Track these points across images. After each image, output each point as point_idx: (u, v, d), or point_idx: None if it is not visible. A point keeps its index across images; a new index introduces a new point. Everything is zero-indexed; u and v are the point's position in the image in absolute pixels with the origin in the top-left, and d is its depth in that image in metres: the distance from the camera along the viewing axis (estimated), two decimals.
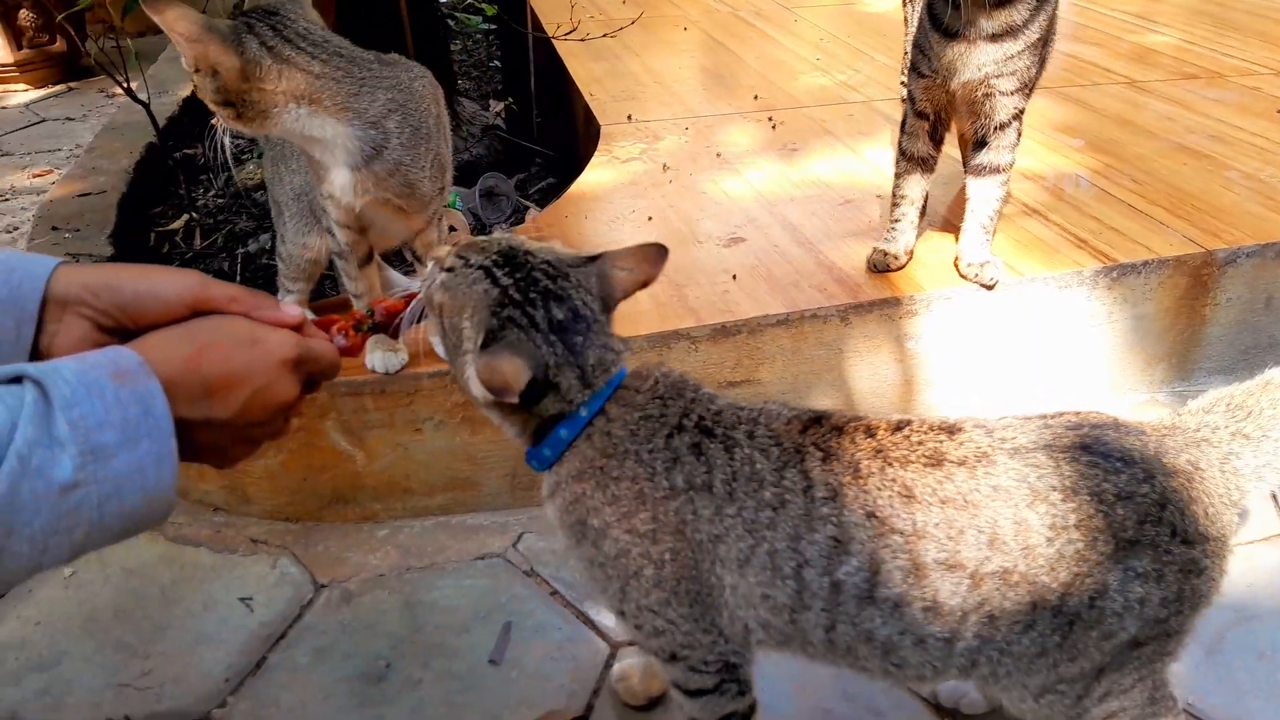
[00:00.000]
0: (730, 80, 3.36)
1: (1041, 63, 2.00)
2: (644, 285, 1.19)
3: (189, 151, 3.46)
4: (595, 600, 1.76)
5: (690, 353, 1.92)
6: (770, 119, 2.94)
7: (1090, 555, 1.07)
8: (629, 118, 2.98)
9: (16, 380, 0.81)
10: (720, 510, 1.13)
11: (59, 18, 3.46)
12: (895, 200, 2.10)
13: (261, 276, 2.65)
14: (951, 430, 1.14)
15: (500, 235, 1.21)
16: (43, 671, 1.67)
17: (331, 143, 1.56)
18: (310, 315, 1.09)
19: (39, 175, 3.77)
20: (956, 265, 2.07)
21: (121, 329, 1.00)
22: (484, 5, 4.14)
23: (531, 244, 1.17)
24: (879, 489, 1.10)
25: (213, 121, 1.59)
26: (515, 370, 1.06)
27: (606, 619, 1.72)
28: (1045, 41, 1.95)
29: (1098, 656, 1.12)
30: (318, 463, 1.90)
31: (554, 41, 3.57)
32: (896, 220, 2.09)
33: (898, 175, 2.09)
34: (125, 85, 2.85)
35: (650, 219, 2.35)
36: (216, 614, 1.78)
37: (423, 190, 1.66)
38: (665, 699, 1.56)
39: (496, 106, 4.02)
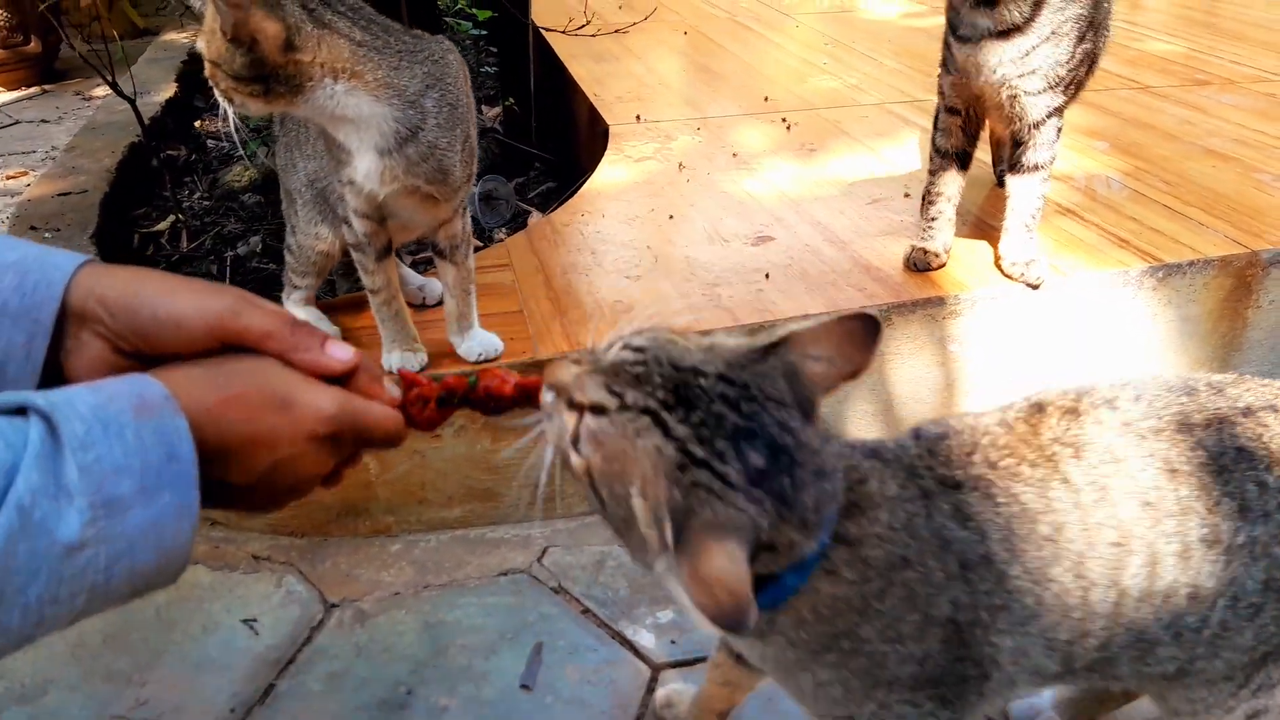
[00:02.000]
0: (737, 83, 3.27)
1: (1087, 59, 1.91)
2: (853, 377, 0.88)
3: (173, 152, 3.32)
4: (627, 618, 1.64)
5: None
6: (784, 120, 2.85)
7: None
8: (638, 118, 2.87)
9: (20, 411, 0.66)
10: (1003, 579, 0.95)
11: (41, 6, 3.30)
12: (930, 198, 2.01)
13: (253, 280, 2.51)
14: (1190, 390, 1.03)
15: (648, 338, 0.88)
16: (26, 703, 1.51)
17: (365, 123, 1.44)
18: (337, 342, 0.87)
19: (12, 177, 3.60)
20: (999, 265, 1.98)
21: (141, 354, 0.83)
22: (476, 10, 4.04)
23: (693, 350, 0.86)
24: (1142, 471, 0.98)
25: (220, 121, 1.46)
26: (732, 570, 0.77)
27: (645, 639, 1.60)
28: (1081, 37, 1.87)
29: (1275, 631, 1.03)
30: None
31: (554, 44, 3.47)
32: (933, 218, 2.00)
33: (932, 172, 2.01)
34: (111, 80, 2.71)
35: (671, 218, 2.24)
36: (218, 637, 1.64)
37: (455, 176, 1.54)
38: None
39: (490, 111, 3.90)
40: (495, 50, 4.40)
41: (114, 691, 1.54)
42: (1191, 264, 2.02)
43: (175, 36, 4.51)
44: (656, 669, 1.54)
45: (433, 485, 1.79)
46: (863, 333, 0.87)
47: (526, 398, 0.92)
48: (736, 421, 0.81)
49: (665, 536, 0.79)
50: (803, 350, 0.87)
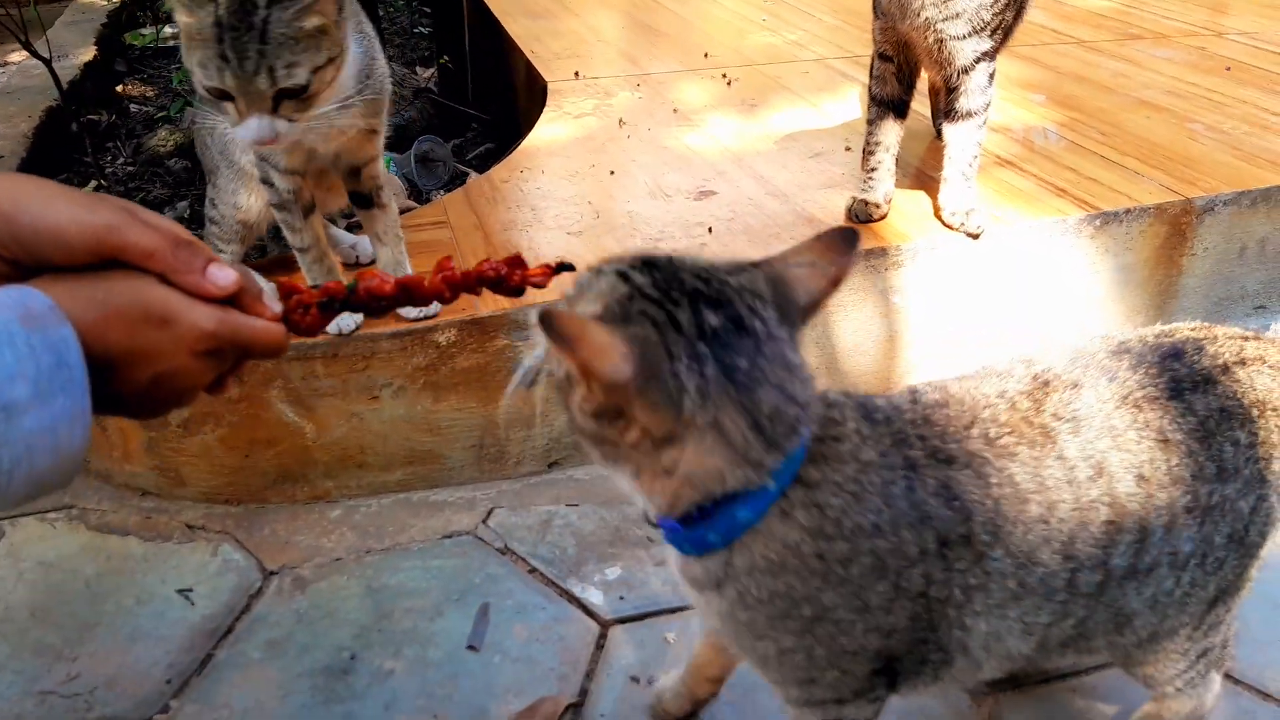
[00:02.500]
0: (677, 39, 3.22)
1: (1014, 4, 1.90)
2: (836, 283, 0.88)
3: (94, 117, 3.19)
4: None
5: None
6: (725, 76, 2.82)
7: (1269, 475, 1.01)
8: (576, 74, 2.82)
9: None
10: (982, 558, 0.92)
11: None
12: (869, 148, 2.00)
13: None
14: (1179, 353, 1.02)
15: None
16: None
17: (349, 67, 1.41)
18: (262, 283, 0.89)
19: None
20: (939, 215, 1.97)
21: (21, 264, 0.82)
22: None
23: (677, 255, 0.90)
24: (1138, 444, 0.96)
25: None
26: (611, 343, 0.76)
27: (594, 596, 1.58)
28: None
29: (1230, 578, 1.05)
30: (261, 437, 1.72)
31: (488, 1, 3.39)
32: (873, 169, 1.99)
33: (870, 121, 1.99)
34: (24, 40, 2.60)
35: (612, 173, 2.21)
36: (152, 608, 1.58)
37: (388, 99, 1.52)
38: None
39: (425, 72, 3.82)
40: (429, 9, 4.30)
41: (44, 666, 1.48)
42: (1128, 212, 2.03)
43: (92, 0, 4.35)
44: (605, 625, 1.52)
45: (372, 448, 1.75)
46: (841, 240, 0.88)
47: (409, 295, 0.90)
48: (699, 287, 0.82)
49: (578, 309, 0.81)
50: (784, 261, 0.88)
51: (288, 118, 1.33)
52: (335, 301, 0.91)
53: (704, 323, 0.80)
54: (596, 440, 0.85)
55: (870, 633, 0.93)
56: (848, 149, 2.32)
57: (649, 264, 0.84)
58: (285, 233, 1.65)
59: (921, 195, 2.09)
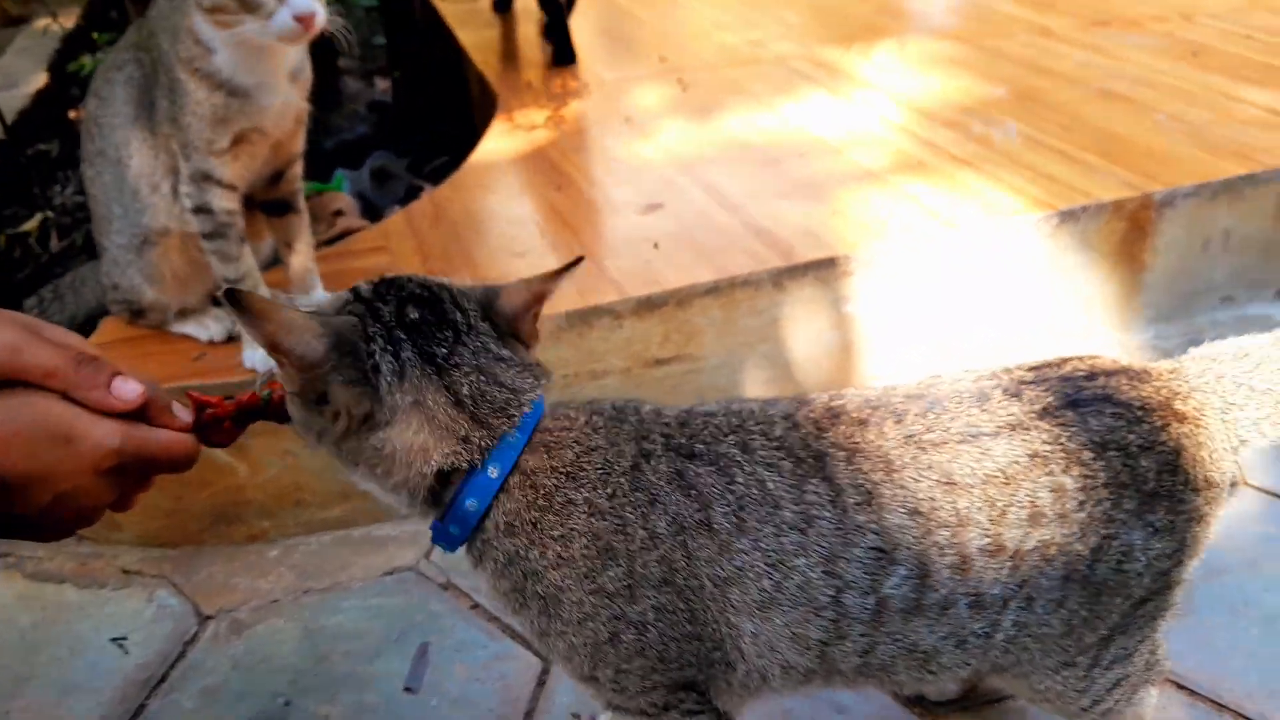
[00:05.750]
0: (632, 43, 3.18)
1: None
2: (539, 297, 0.99)
3: (43, 147, 3.14)
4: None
5: (614, 329, 1.73)
6: (680, 80, 2.77)
7: (1117, 514, 0.97)
8: (527, 85, 2.77)
9: None
10: (727, 548, 0.95)
11: None
12: None
13: None
14: (982, 399, 1.00)
15: None
16: None
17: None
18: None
19: None
20: None
21: None
22: None
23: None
24: (915, 482, 0.95)
25: None
26: (306, 324, 0.88)
27: None
28: None
29: (1115, 619, 1.02)
30: (192, 478, 1.64)
31: (443, 12, 3.35)
32: None
33: None
34: None
35: (559, 189, 2.16)
36: (85, 659, 1.54)
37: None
38: None
39: (382, 85, 3.77)
40: (385, 21, 4.25)
41: None
42: (1084, 209, 1.98)
43: (48, 23, 4.28)
44: (548, 661, 1.48)
45: (309, 486, 1.70)
46: (564, 266, 1.00)
47: None
48: (414, 290, 0.94)
49: None
50: (511, 282, 1.00)
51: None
52: (251, 413, 0.94)
53: (405, 315, 0.92)
54: (307, 428, 0.94)
55: (618, 621, 0.95)
56: (802, 155, 2.27)
57: (386, 280, 0.96)
58: (217, 265, 1.60)
59: (872, 200, 2.04)
